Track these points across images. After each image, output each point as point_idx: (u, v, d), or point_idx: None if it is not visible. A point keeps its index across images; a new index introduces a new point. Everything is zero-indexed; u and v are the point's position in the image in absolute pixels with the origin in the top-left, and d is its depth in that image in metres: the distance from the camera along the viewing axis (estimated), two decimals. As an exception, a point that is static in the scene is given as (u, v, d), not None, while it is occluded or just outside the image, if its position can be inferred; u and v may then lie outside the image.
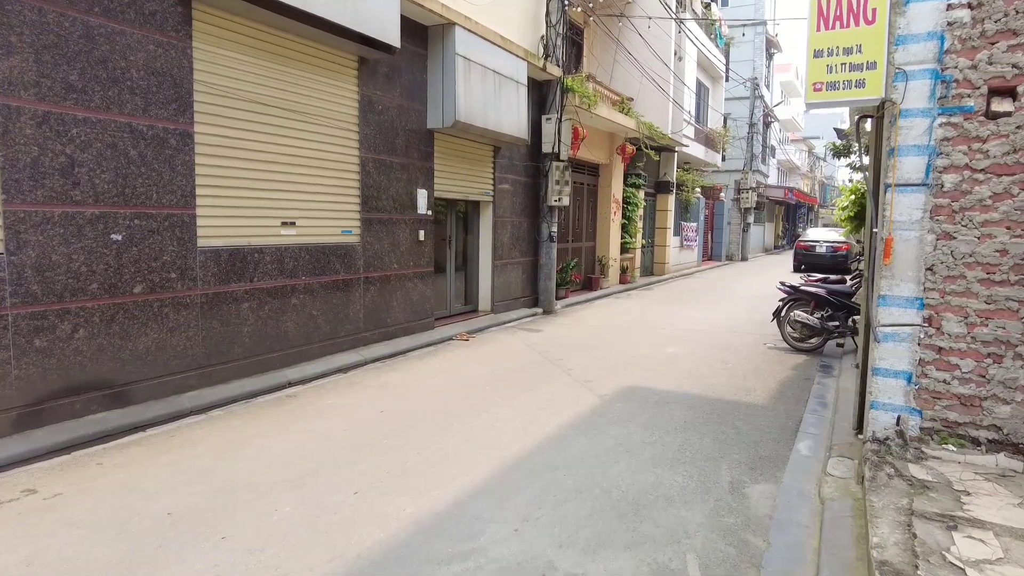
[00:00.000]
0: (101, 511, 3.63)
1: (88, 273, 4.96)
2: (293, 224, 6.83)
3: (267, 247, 6.51)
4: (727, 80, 26.67)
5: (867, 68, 4.13)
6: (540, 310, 11.62)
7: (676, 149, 19.64)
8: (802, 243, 23.35)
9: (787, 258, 31.70)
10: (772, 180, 38.85)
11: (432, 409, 5.62)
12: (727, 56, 26.36)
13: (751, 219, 30.82)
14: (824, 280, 9.02)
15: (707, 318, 11.15)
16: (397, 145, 8.17)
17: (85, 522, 3.50)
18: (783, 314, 8.63)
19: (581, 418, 5.38)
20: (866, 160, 5.76)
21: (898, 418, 4.12)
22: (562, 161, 11.45)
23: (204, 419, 5.34)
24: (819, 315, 8.21)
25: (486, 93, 9.03)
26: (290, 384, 6.46)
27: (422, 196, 8.65)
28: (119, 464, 4.32)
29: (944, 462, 3.80)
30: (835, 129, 32.10)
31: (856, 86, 4.18)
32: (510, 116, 9.66)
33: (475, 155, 9.91)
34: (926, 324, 4.07)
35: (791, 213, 49.16)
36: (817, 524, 3.56)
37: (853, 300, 8.23)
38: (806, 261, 22.52)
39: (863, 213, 11.12)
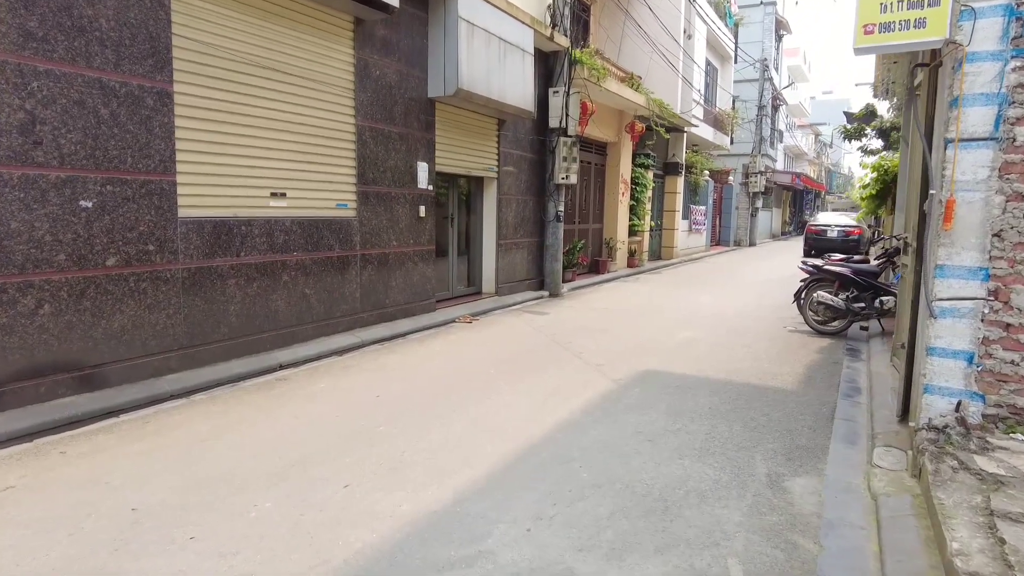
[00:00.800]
0: (56, 507, 3.19)
1: (54, 243, 4.49)
2: (283, 195, 6.35)
3: (255, 219, 6.04)
4: (735, 62, 26.01)
5: (928, 5, 3.62)
6: (546, 293, 11.15)
7: (685, 130, 19.06)
8: (813, 227, 22.77)
9: (795, 244, 31.14)
10: (779, 166, 38.18)
11: (432, 394, 5.17)
12: (736, 36, 25.68)
13: (759, 204, 30.24)
14: (848, 259, 8.52)
15: (720, 302, 10.67)
16: (396, 114, 7.67)
17: (34, 520, 3.06)
18: (804, 295, 8.14)
19: (594, 404, 4.93)
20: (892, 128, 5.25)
21: (958, 404, 3.65)
22: (570, 137, 10.93)
23: (184, 404, 4.90)
24: (844, 296, 7.72)
25: (490, 61, 8.51)
26: (281, 367, 6.01)
27: (422, 170, 8.16)
28: (84, 453, 3.88)
29: (1015, 453, 3.33)
30: (844, 113, 31.39)
31: (915, 26, 3.67)
32: (515, 86, 9.14)
33: (478, 128, 9.41)
34: (991, 298, 3.59)
35: (798, 199, 48.49)
36: (873, 524, 3.10)
37: (879, 280, 7.75)
38: (817, 246, 21.93)
39: (887, 191, 10.61)
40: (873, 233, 8.39)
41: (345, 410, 4.78)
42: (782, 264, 19.04)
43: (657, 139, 17.49)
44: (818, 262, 8.21)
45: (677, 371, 5.98)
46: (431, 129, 8.29)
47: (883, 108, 26.97)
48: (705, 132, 21.33)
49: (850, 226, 21.93)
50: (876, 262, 8.44)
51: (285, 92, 6.27)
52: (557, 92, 10.77)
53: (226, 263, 5.78)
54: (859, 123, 26.70)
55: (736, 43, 25.37)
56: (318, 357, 6.38)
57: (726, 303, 10.49)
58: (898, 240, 9.28)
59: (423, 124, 8.13)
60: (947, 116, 3.61)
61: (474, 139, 9.33)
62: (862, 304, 7.63)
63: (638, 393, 5.22)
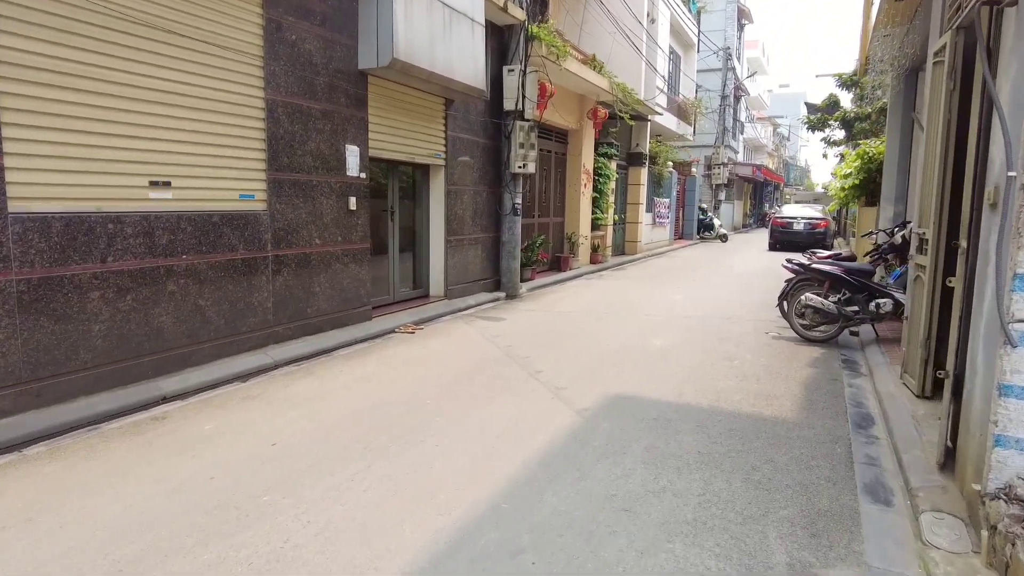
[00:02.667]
0: None
1: None
2: (167, 184, 5.10)
3: (127, 215, 4.78)
4: (698, 51, 25.28)
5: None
6: (503, 294, 10.06)
7: (649, 118, 18.17)
8: (778, 220, 22.23)
9: (758, 236, 30.75)
10: (740, 158, 37.84)
11: (347, 439, 4.03)
12: (698, 23, 24.94)
13: (722, 196, 29.72)
14: (836, 257, 7.66)
15: (692, 302, 9.74)
16: (318, 87, 6.46)
17: None
18: (790, 298, 7.23)
19: (555, 449, 3.86)
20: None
21: (1045, 463, 2.69)
22: (527, 121, 9.84)
23: (12, 460, 3.66)
24: (835, 298, 6.83)
25: (433, 29, 7.34)
26: (165, 399, 4.80)
27: (352, 154, 6.96)
28: None
29: None
30: (806, 104, 31.09)
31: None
32: (464, 61, 8.00)
33: (422, 108, 8.23)
34: (1091, 319, 2.64)
35: (758, 191, 48.48)
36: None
37: (874, 280, 6.88)
38: (783, 239, 21.43)
39: (870, 181, 9.83)
40: (895, 229, 7.44)
41: (227, 467, 3.61)
42: (749, 257, 18.36)
43: (620, 128, 16.55)
44: (804, 260, 7.31)
45: (654, 395, 4.95)
46: (363, 107, 7.09)
47: (846, 99, 26.72)
48: (669, 122, 20.50)
49: (816, 218, 21.44)
50: (869, 259, 7.59)
51: (169, 56, 5.01)
52: (512, 70, 9.66)
53: (86, 271, 4.52)
54: (822, 114, 26.35)
55: (699, 30, 24.64)
56: (215, 384, 5.17)
57: (699, 302, 9.57)
58: (876, 233, 8.46)
59: (353, 101, 6.93)
60: (1033, 69, 2.62)
61: (417, 121, 8.16)
62: (855, 308, 6.75)
63: (608, 430, 4.17)
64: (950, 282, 3.49)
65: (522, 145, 9.76)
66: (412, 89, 7.90)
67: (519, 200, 10.13)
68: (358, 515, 3.06)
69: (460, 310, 8.74)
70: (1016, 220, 2.67)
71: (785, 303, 7.46)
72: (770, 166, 51.32)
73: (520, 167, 9.82)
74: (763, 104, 52.34)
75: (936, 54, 4.77)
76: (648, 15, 17.21)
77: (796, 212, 22.37)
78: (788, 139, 65.62)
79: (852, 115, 23.27)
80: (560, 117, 12.46)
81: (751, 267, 15.36)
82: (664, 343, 6.79)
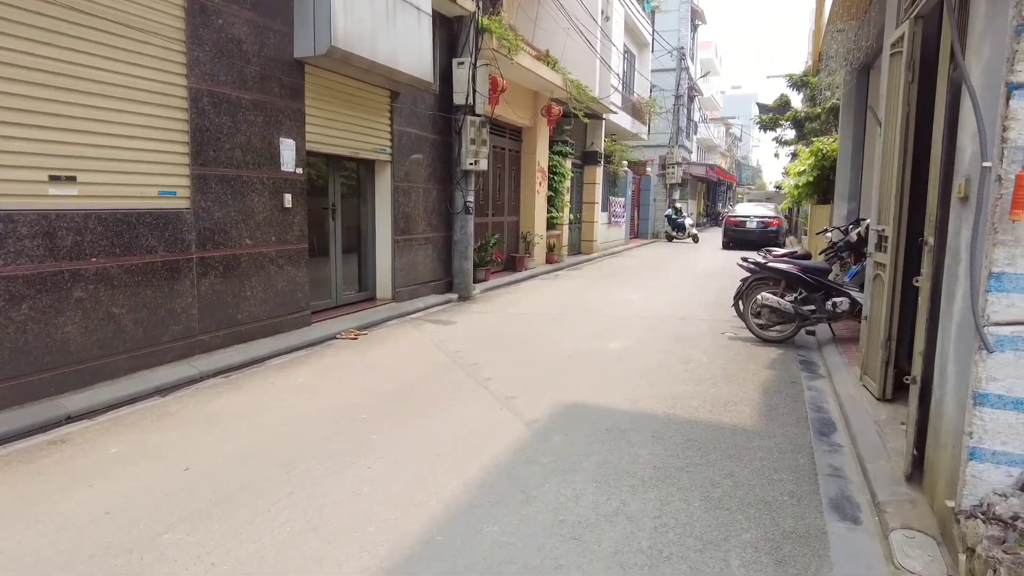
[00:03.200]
0: None
1: None
2: (72, 179, 4.59)
3: (22, 213, 4.26)
4: (653, 50, 25.34)
5: None
6: (455, 296, 9.69)
7: (604, 117, 18.03)
8: (732, 219, 22.41)
9: (712, 235, 31.07)
10: (693, 158, 38.23)
11: (268, 463, 3.62)
12: (652, 23, 25.00)
13: (677, 196, 29.90)
14: (791, 255, 7.54)
15: (649, 302, 9.56)
16: (249, 76, 5.99)
17: None
18: (745, 297, 7.07)
19: (500, 468, 3.53)
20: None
21: (1024, 478, 2.49)
22: (479, 116, 9.49)
23: None
24: (791, 298, 6.69)
25: (376, 17, 6.93)
26: (69, 419, 4.30)
27: (288, 148, 6.51)
28: None
29: (1125, 563, 2.18)
30: (758, 104, 31.62)
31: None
32: (409, 51, 7.61)
33: (365, 100, 7.80)
34: (1071, 321, 2.44)
35: (712, 191, 49.21)
36: None
37: (830, 279, 6.76)
38: (736, 237, 21.59)
39: (824, 179, 9.81)
40: (849, 227, 7.33)
41: (127, 499, 3.16)
42: (703, 256, 18.41)
43: (575, 126, 16.33)
44: (760, 259, 7.16)
45: (608, 403, 4.67)
46: (299, 98, 6.64)
47: (796, 100, 27.20)
48: (623, 121, 20.42)
49: (769, 217, 21.67)
50: (824, 257, 7.49)
51: (74, 36, 4.50)
52: (462, 63, 9.30)
53: (-30, 275, 3.99)
54: (773, 114, 26.75)
55: (653, 30, 24.69)
56: (131, 400, 4.68)
57: (655, 302, 9.38)
58: (830, 230, 8.41)
59: (288, 91, 6.47)
60: (1011, 50, 2.40)
61: (359, 114, 7.72)
62: (812, 307, 6.62)
63: (559, 444, 3.86)
64: (916, 282, 3.30)
65: (473, 141, 9.41)
66: (354, 80, 7.47)
67: (471, 198, 9.78)
68: (271, 554, 2.67)
69: (408, 313, 8.34)
70: (991, 214, 2.46)
71: (741, 303, 7.30)
72: (723, 166, 52.15)
73: (471, 164, 9.47)
74: (716, 105, 53.17)
75: (893, 45, 4.62)
76: (602, 12, 17.06)
77: (749, 211, 22.58)
78: (740, 139, 66.94)
79: (803, 115, 23.65)
80: (513, 114, 12.15)
81: (706, 266, 15.35)
82: (620, 345, 6.54)
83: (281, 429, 4.13)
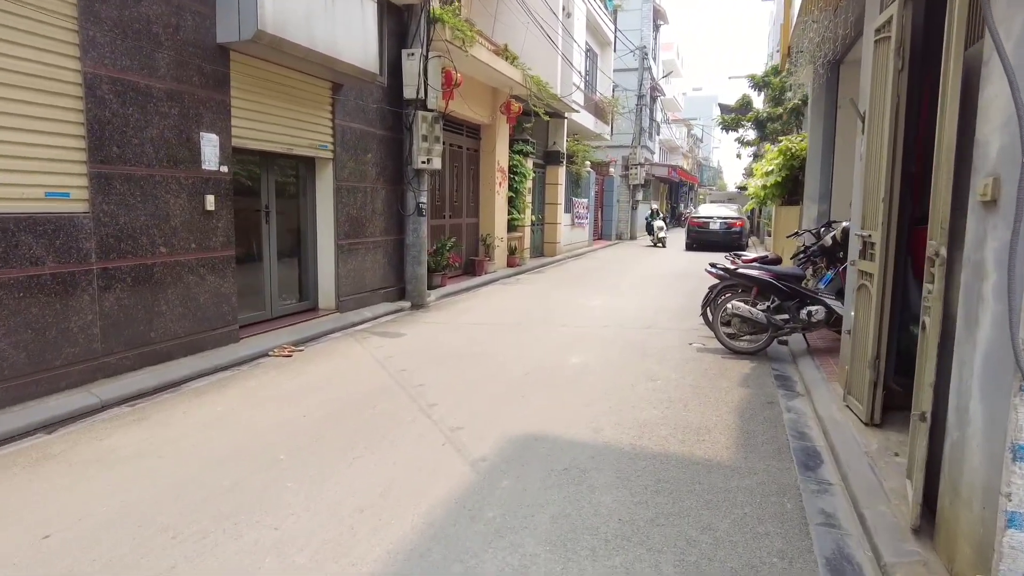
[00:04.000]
0: None
1: None
2: (-73, 178, 3.84)
3: None
4: (615, 50, 25.03)
5: None
6: (407, 304, 9.05)
7: (566, 116, 17.57)
8: (695, 220, 22.20)
9: (675, 236, 30.95)
10: (656, 159, 38.15)
11: (152, 525, 2.96)
12: (615, 22, 24.68)
13: (640, 196, 29.68)
14: (762, 260, 7.12)
15: (613, 308, 9.06)
16: (161, 62, 5.26)
17: None
18: (714, 305, 6.62)
19: (435, 528, 2.93)
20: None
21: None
22: (431, 111, 8.87)
23: None
24: (763, 306, 6.25)
25: (312, 0, 6.26)
26: (-80, 465, 3.55)
27: (210, 144, 5.80)
28: None
29: None
30: (719, 104, 31.66)
31: None
32: (352, 40, 6.95)
33: (303, 92, 7.11)
34: None
35: (674, 192, 49.39)
36: None
37: (803, 286, 6.34)
38: (699, 239, 21.38)
39: (793, 179, 9.46)
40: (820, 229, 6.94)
41: (-49, 585, 2.48)
42: (666, 258, 18.09)
43: (536, 125, 15.81)
44: (729, 264, 6.71)
45: (567, 433, 4.12)
46: (223, 88, 5.93)
47: (758, 100, 27.22)
48: (586, 120, 20.00)
49: (732, 218, 21.50)
50: (794, 262, 7.09)
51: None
52: (413, 55, 8.66)
53: None
54: (735, 114, 26.71)
55: (616, 28, 24.37)
56: (8, 438, 3.94)
57: (619, 309, 8.89)
58: (801, 233, 8.03)
59: (210, 81, 5.76)
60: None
61: (296, 107, 7.03)
62: (785, 316, 6.19)
63: (508, 491, 3.29)
64: (927, 301, 2.81)
65: (425, 138, 8.79)
66: (289, 70, 6.78)
67: (424, 199, 9.15)
68: (122, 670, 2.03)
69: (354, 325, 7.67)
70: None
71: (709, 311, 6.85)
72: (685, 167, 52.43)
73: (424, 162, 8.84)
74: (678, 106, 53.41)
75: (878, 31, 4.17)
76: (564, 9, 16.59)
77: (712, 212, 22.39)
78: (701, 141, 67.62)
79: (765, 115, 23.59)
80: (471, 110, 11.55)
81: (670, 268, 14.99)
82: (581, 360, 6.00)
83: (181, 474, 3.46)
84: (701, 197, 54.25)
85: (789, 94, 23.28)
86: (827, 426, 4.18)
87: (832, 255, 6.48)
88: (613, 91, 24.83)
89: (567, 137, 18.57)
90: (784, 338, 6.56)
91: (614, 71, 25.23)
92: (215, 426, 4.23)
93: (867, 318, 4.12)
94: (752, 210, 14.69)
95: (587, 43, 20.33)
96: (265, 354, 6.18)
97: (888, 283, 3.94)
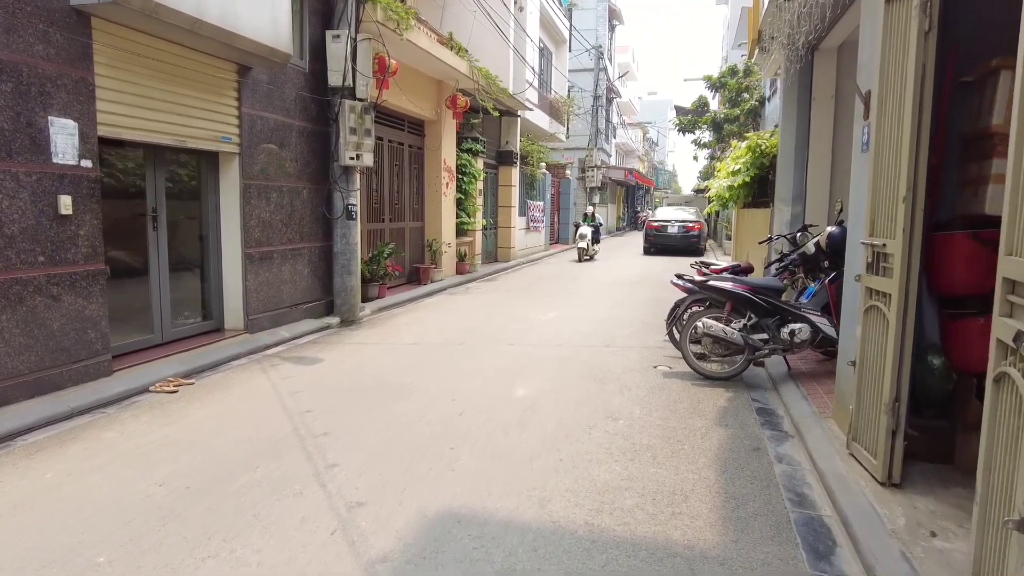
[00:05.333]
0: None
1: None
2: None
3: None
4: (570, 49, 24.29)
5: None
6: (335, 321, 7.95)
7: (520, 114, 16.66)
8: (652, 223, 21.56)
9: (632, 239, 30.44)
10: (612, 162, 37.66)
11: None
12: (570, 19, 23.94)
13: (597, 199, 29.01)
14: (733, 270, 6.29)
15: (568, 321, 8.14)
16: (-18, 23, 4.10)
17: None
18: (684, 322, 5.75)
19: None
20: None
21: None
22: (360, 101, 7.80)
23: None
24: (739, 324, 5.40)
25: (198, -43, 5.15)
26: None
27: (64, 131, 4.63)
28: None
29: None
30: (676, 107, 31.26)
31: None
32: (257, 12, 5.85)
33: (198, 74, 5.97)
34: None
35: (631, 195, 49.15)
36: None
37: (784, 300, 5.51)
38: (657, 243, 20.74)
39: (762, 179, 8.70)
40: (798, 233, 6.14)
41: None
42: (623, 263, 17.33)
43: (487, 123, 14.89)
44: (697, 276, 5.84)
45: (503, 509, 3.13)
46: (84, 63, 4.77)
47: (714, 104, 26.87)
48: (541, 120, 19.14)
49: (690, 221, 20.94)
50: (774, 272, 6.27)
51: None
52: (339, 36, 7.59)
53: None
54: (692, 116, 26.28)
55: (571, 25, 23.62)
56: None
57: (575, 322, 7.97)
58: (773, 239, 7.21)
59: (63, 53, 4.60)
60: None
61: (191, 91, 5.89)
62: (764, 335, 5.34)
63: (412, 615, 2.28)
64: (1004, 343, 1.93)
65: (354, 130, 7.71)
66: (177, 46, 5.64)
67: (354, 200, 8.06)
68: None
69: (266, 348, 6.55)
70: None
71: (675, 329, 5.98)
72: (641, 171, 52.28)
73: (352, 158, 7.76)
74: (633, 109, 53.29)
75: (891, -13, 3.32)
76: (516, 2, 15.69)
77: (670, 215, 21.80)
78: (657, 144, 67.93)
79: (722, 116, 23.16)
80: (412, 103, 10.50)
81: (627, 274, 14.19)
82: (529, 393, 5.03)
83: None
84: (658, 200, 54.20)
85: (746, 95, 22.98)
86: (832, 486, 3.30)
87: (815, 264, 5.67)
88: (569, 91, 24.07)
89: (521, 137, 17.67)
90: (761, 360, 5.72)
91: (570, 71, 24.48)
92: (24, 507, 3.10)
93: (882, 349, 3.27)
94: (711, 213, 13.99)
95: (541, 40, 19.48)
96: (146, 389, 5.04)
97: (912, 306, 3.08)
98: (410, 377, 5.48)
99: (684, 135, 26.49)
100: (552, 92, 21.60)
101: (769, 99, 20.71)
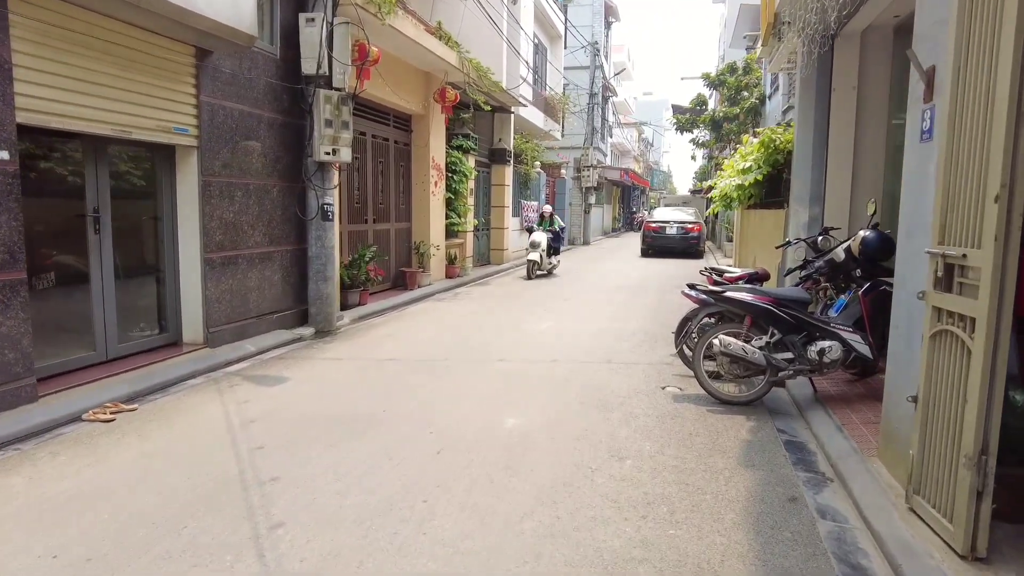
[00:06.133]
0: None
1: None
2: None
3: None
4: (566, 47, 23.63)
5: None
6: (310, 331, 7.26)
7: (513, 110, 15.98)
8: (651, 224, 20.91)
9: (628, 240, 29.85)
10: (608, 162, 37.03)
11: None
12: (565, 15, 23.28)
13: (592, 200, 28.37)
14: (750, 279, 5.63)
15: (564, 333, 7.47)
16: None
17: None
18: (696, 338, 5.09)
19: None
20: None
21: None
22: (337, 90, 7.11)
23: None
24: (760, 341, 4.74)
25: (139, -82, 4.45)
26: None
27: (-31, 117, 3.93)
28: None
29: None
30: (673, 105, 30.66)
31: None
32: (212, -15, 5.16)
33: (147, 56, 5.27)
34: None
35: (626, 195, 48.58)
36: None
37: (811, 314, 4.85)
38: (655, 244, 20.11)
39: (777, 176, 8.03)
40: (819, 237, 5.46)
41: None
42: (621, 266, 16.69)
43: (479, 119, 14.23)
44: (712, 286, 5.18)
45: (486, 586, 2.46)
46: (-5, 36, 4.08)
47: (712, 103, 26.26)
48: (535, 117, 18.48)
49: (689, 222, 20.31)
50: (795, 280, 5.62)
51: None
52: (313, 20, 6.90)
53: None
54: (690, 114, 25.66)
55: (566, 20, 22.96)
56: None
57: (571, 334, 7.31)
58: (793, 243, 6.49)
59: (-31, 22, 3.91)
60: None
61: (137, 75, 5.19)
62: (789, 355, 4.68)
63: None
64: None
65: (330, 123, 7.02)
66: (120, 23, 4.94)
67: (331, 199, 7.37)
68: None
69: (228, 364, 5.85)
70: None
71: (686, 346, 5.33)
72: (637, 171, 51.75)
73: (328, 153, 7.08)
74: (629, 109, 52.70)
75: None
76: (509, -7, 15.02)
77: (668, 216, 21.17)
78: (652, 144, 67.52)
79: (721, 115, 22.55)
80: (398, 96, 9.82)
81: (626, 279, 13.52)
82: (520, 423, 4.35)
83: None
84: (653, 201, 53.60)
85: (745, 93, 22.36)
86: (897, 557, 2.63)
87: (844, 273, 5.01)
88: (564, 88, 23.41)
89: (514, 135, 17.00)
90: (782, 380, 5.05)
91: (565, 69, 23.82)
92: None
93: (958, 385, 2.61)
94: (714, 214, 13.34)
95: (536, 35, 18.83)
96: (78, 417, 4.34)
97: (1006, 334, 2.42)
98: (383, 402, 4.79)
99: (682, 134, 25.90)
100: (547, 89, 20.95)
101: (770, 97, 20.16)
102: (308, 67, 6.99)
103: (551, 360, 6.13)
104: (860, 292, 4.64)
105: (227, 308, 6.26)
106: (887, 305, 4.61)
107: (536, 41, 19.04)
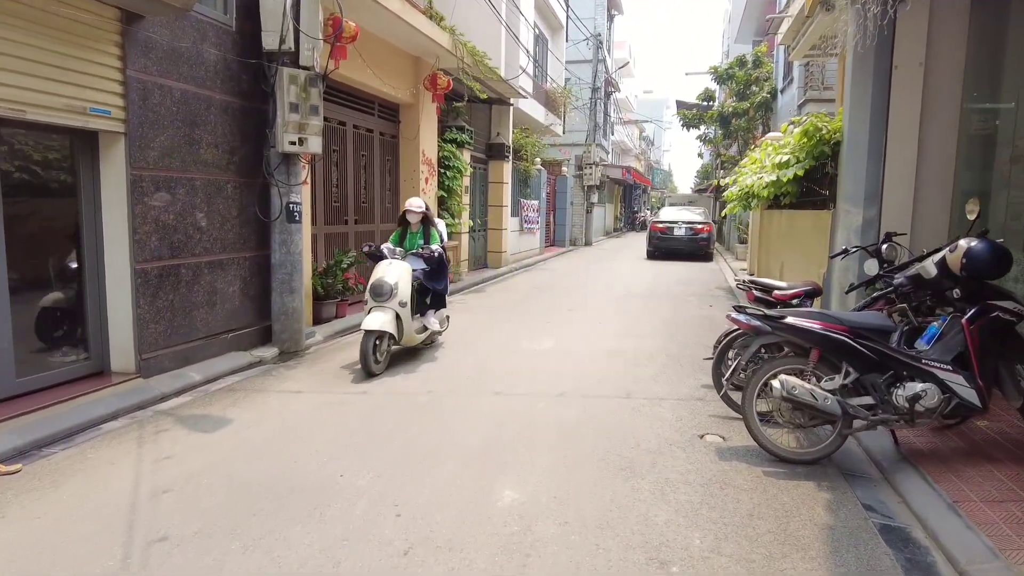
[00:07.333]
0: None
1: None
2: None
3: None
4: (567, 39, 22.54)
5: None
6: (273, 351, 6.18)
7: (512, 103, 14.89)
8: (657, 224, 19.84)
9: (632, 241, 28.82)
10: (609, 160, 35.95)
11: None
12: (567, 5, 22.19)
13: (595, 198, 27.29)
14: (806, 297, 4.55)
15: (571, 355, 6.39)
16: None
17: None
18: (748, 375, 4.02)
19: None
20: None
21: None
22: (305, 69, 6.03)
23: None
24: (833, 382, 3.66)
25: None
26: None
27: None
28: None
29: None
30: (677, 101, 29.61)
31: None
32: (132, -74, 4.07)
33: (46, 15, 4.16)
34: None
35: (628, 194, 47.51)
36: None
37: (896, 348, 3.75)
38: (662, 246, 19.05)
39: (819, 171, 6.90)
40: (883, 243, 4.29)
41: None
42: (627, 269, 15.63)
43: (476, 112, 13.16)
44: (767, 310, 4.11)
45: None
46: None
47: (719, 97, 25.20)
48: (536, 111, 17.39)
49: (698, 223, 19.25)
50: (860, 301, 4.54)
51: None
52: (275, -15, 5.81)
53: None
54: (697, 109, 24.59)
55: (568, 9, 21.87)
56: None
57: (580, 356, 6.23)
58: (850, 251, 5.32)
59: None
60: None
61: (33, 40, 4.09)
62: (870, 400, 3.61)
63: None
64: None
65: (295, 107, 5.93)
66: (7, -31, 3.85)
67: (297, 197, 6.29)
68: None
69: (166, 397, 4.78)
70: None
71: (729, 384, 4.26)
72: (639, 169, 50.67)
73: (294, 143, 5.99)
74: (630, 107, 51.65)
75: None
76: (509, -24, 13.93)
77: (676, 216, 20.09)
78: (653, 143, 66.64)
79: (730, 110, 21.50)
80: (383, 82, 8.73)
81: (634, 285, 12.43)
82: (518, 500, 3.27)
83: None
84: (655, 200, 52.50)
85: (755, 87, 21.31)
86: None
87: (935, 293, 3.92)
88: (566, 82, 22.32)
89: (514, 129, 15.91)
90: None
91: (567, 62, 22.72)
92: None
93: None
94: (732, 213, 12.25)
95: (536, 25, 17.73)
96: (-65, 484, 3.26)
97: None
98: (342, 460, 3.71)
99: (688, 130, 24.87)
100: (548, 81, 19.87)
101: (783, 91, 19.10)
102: (270, 41, 5.90)
103: (558, 394, 5.05)
104: (964, 319, 3.56)
105: (166, 328, 5.18)
106: (1003, 337, 3.57)
107: (537, 31, 17.95)
